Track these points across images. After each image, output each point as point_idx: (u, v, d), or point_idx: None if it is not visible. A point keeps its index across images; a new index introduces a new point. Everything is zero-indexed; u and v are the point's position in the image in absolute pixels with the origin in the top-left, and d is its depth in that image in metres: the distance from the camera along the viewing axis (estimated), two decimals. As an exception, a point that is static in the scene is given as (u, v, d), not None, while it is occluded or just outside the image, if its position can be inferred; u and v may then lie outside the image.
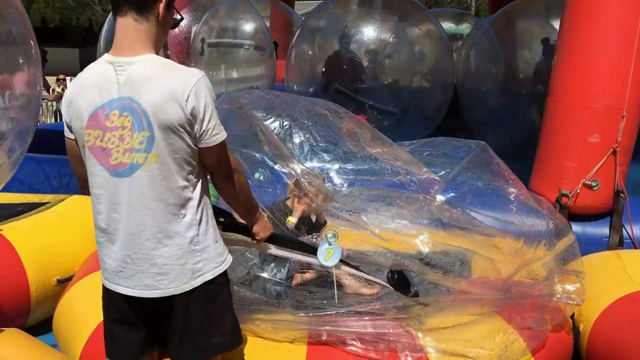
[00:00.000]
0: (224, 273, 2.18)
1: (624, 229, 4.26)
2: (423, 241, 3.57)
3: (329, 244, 3.00)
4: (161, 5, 2.02)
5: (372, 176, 3.43)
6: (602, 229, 4.32)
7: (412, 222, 3.51)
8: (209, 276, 2.10)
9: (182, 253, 2.04)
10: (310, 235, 3.06)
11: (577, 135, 4.25)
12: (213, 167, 2.10)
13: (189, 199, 2.04)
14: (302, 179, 3.10)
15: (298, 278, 3.30)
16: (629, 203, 4.24)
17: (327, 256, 2.95)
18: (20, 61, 4.51)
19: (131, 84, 1.96)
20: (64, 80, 11.41)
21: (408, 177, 3.38)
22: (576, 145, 4.25)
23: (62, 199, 4.43)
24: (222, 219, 2.49)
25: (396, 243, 3.57)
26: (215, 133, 2.01)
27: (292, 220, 3.28)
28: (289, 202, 3.37)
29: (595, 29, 4.16)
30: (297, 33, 7.84)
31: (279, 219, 3.22)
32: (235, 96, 3.39)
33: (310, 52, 7.65)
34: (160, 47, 2.14)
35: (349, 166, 3.47)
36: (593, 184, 4.20)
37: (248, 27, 8.56)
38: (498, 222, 3.29)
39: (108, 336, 2.22)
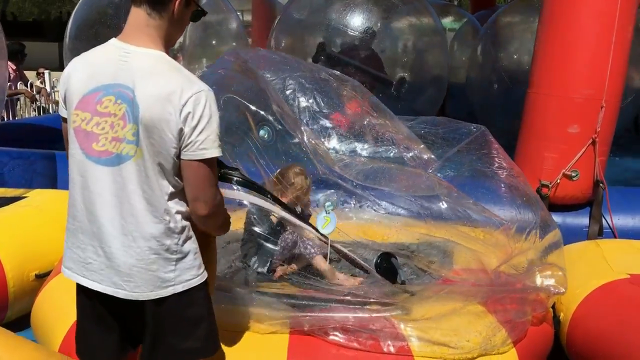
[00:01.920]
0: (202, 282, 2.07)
1: (603, 219, 4.30)
2: (405, 232, 3.59)
3: (327, 212, 3.00)
4: (177, 3, 1.94)
5: (373, 146, 3.38)
6: (582, 219, 4.36)
7: (394, 213, 3.51)
8: (179, 288, 1.98)
9: (155, 259, 1.95)
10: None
11: (556, 126, 4.28)
12: (190, 189, 1.92)
13: (172, 206, 1.95)
14: (306, 141, 3.06)
15: (280, 271, 3.29)
16: (608, 193, 4.29)
17: (324, 224, 2.96)
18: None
19: (133, 74, 1.88)
20: (43, 74, 11.27)
21: (407, 151, 3.33)
22: (556, 135, 4.28)
23: (40, 193, 4.38)
24: (229, 173, 2.35)
25: (379, 234, 3.59)
26: (203, 147, 1.87)
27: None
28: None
29: (574, 20, 4.18)
30: (276, 22, 7.65)
31: (265, 213, 3.21)
32: (240, 52, 3.30)
33: (293, 42, 7.47)
34: (174, 42, 2.06)
35: (350, 135, 3.41)
36: (573, 174, 4.23)
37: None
38: (488, 209, 3.29)
39: (80, 334, 2.14)
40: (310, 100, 3.35)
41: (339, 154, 3.34)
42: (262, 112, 3.14)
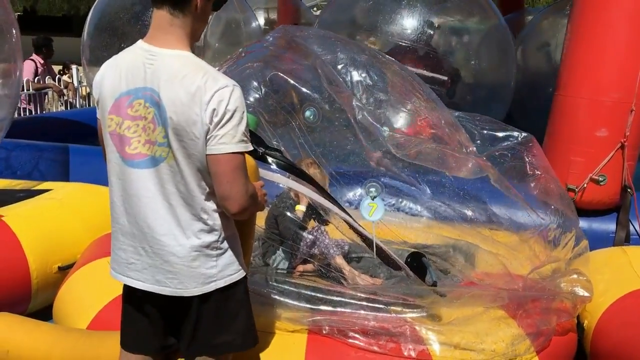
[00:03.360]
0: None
1: (631, 225, 4.22)
2: (427, 233, 3.55)
3: (372, 199, 2.91)
4: None
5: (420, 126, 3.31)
6: (608, 225, 4.27)
7: (418, 214, 3.47)
8: (221, 283, 2.02)
9: (196, 255, 1.98)
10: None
11: (584, 130, 4.21)
12: (216, 187, 1.91)
13: (210, 205, 1.97)
14: (358, 119, 2.99)
15: (300, 269, 3.28)
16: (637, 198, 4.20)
17: (370, 211, 2.86)
18: (7, 49, 4.53)
19: (159, 77, 1.89)
20: (71, 69, 11.38)
21: (451, 138, 3.25)
22: (584, 139, 4.21)
23: (64, 186, 4.42)
24: (270, 154, 2.32)
25: (400, 235, 3.55)
26: (222, 141, 1.86)
27: (301, 208, 3.27)
28: (292, 193, 3.35)
29: (604, 22, 4.11)
30: (316, 24, 7.43)
31: (287, 208, 3.20)
32: (288, 29, 3.27)
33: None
34: (199, 36, 2.05)
35: (402, 112, 3.35)
36: (600, 178, 4.15)
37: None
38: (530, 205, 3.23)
39: (125, 329, 2.17)
40: (363, 74, 3.29)
41: (391, 131, 3.26)
42: (309, 92, 3.09)
